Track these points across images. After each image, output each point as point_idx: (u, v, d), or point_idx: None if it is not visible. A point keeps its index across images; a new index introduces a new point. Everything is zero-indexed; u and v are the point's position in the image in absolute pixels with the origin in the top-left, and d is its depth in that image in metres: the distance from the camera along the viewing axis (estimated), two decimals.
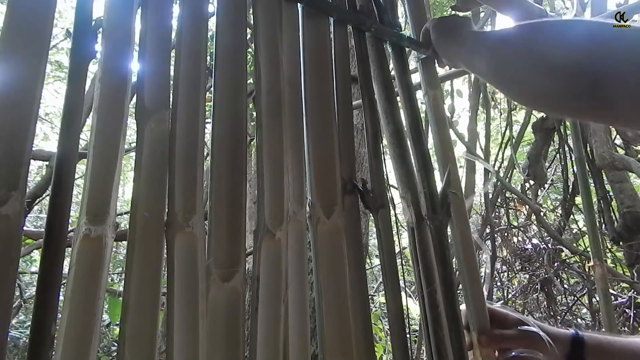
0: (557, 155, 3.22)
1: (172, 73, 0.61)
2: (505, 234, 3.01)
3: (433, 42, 0.83)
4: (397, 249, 0.76)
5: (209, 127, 0.64)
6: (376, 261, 4.03)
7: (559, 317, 2.74)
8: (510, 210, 3.11)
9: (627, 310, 2.41)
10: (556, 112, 0.66)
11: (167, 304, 0.54)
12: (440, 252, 0.76)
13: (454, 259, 0.85)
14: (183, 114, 0.60)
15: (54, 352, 0.46)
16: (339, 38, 0.80)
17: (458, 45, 0.74)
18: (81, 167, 0.71)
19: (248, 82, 0.70)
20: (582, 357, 0.70)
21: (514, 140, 3.01)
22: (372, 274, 3.93)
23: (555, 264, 2.79)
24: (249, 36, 1.13)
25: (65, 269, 0.49)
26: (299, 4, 0.76)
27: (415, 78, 1.04)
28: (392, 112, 0.81)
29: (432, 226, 0.77)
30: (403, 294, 0.71)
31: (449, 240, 0.80)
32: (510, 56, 0.59)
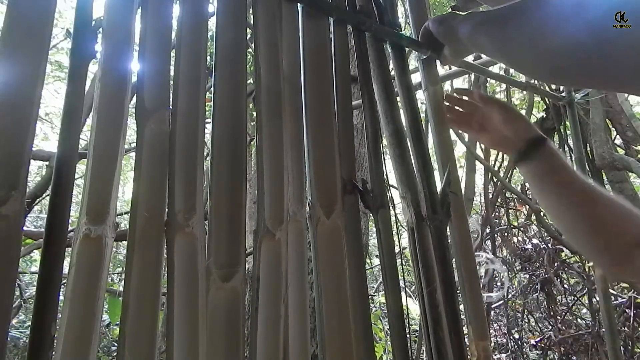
0: None
1: (172, 73, 0.61)
2: (505, 234, 3.01)
3: (434, 31, 0.83)
4: (397, 249, 0.76)
5: (209, 127, 0.64)
6: (376, 261, 4.03)
7: (559, 317, 2.74)
8: (510, 210, 3.11)
9: (627, 310, 2.41)
10: (559, 81, 0.68)
11: (167, 304, 0.54)
12: (440, 252, 0.76)
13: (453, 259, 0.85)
14: (183, 114, 0.60)
15: (54, 352, 0.46)
16: (338, 38, 0.80)
17: (460, 25, 0.75)
18: (81, 167, 0.71)
19: (248, 82, 0.70)
20: (533, 152, 0.72)
21: None
22: (372, 274, 3.93)
23: (555, 264, 2.79)
24: (249, 36, 1.13)
25: (65, 269, 0.49)
26: (298, 4, 0.76)
27: (415, 78, 1.04)
28: (392, 112, 0.81)
29: (432, 226, 0.77)
30: (403, 294, 0.71)
31: (449, 240, 0.80)
32: (511, 30, 0.61)
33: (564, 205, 0.68)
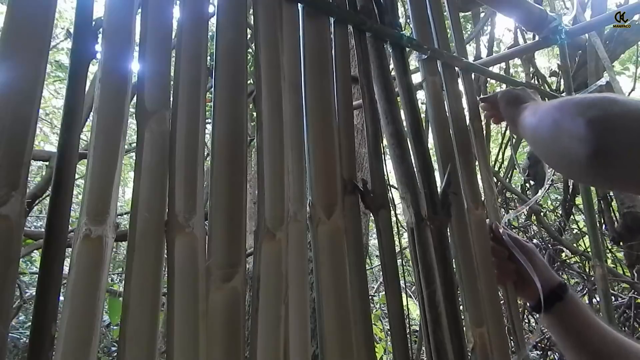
0: None
1: (172, 73, 0.61)
2: None
3: (501, 108, 0.86)
4: (397, 249, 0.76)
5: (209, 127, 0.64)
6: (376, 261, 4.03)
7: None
8: (510, 211, 3.11)
9: (627, 311, 2.41)
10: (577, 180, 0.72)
11: (167, 305, 0.54)
12: (440, 252, 0.76)
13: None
14: (183, 114, 0.60)
15: (54, 353, 0.45)
16: (339, 38, 0.80)
17: (516, 117, 0.77)
18: (81, 167, 0.70)
19: (248, 82, 0.70)
20: (554, 305, 0.73)
21: (514, 140, 3.01)
22: (372, 274, 3.93)
23: (556, 264, 2.79)
24: (249, 36, 1.12)
25: (66, 269, 0.49)
26: (299, 4, 0.76)
27: (416, 78, 1.04)
28: (392, 112, 0.81)
29: (432, 227, 0.77)
30: (403, 294, 0.71)
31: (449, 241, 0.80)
32: (539, 143, 0.66)
33: (588, 354, 0.69)
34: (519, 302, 0.94)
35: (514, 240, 0.84)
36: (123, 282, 0.52)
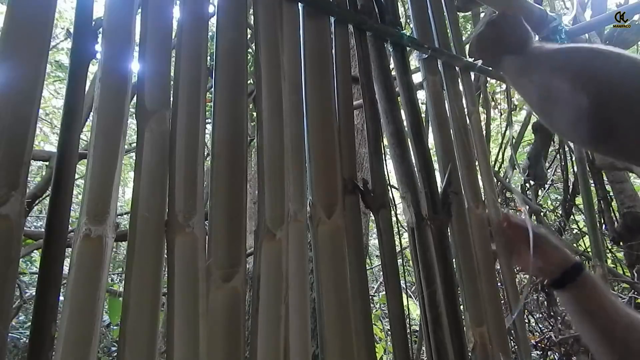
0: (557, 155, 3.22)
1: (172, 73, 0.61)
2: None
3: (477, 54, 0.79)
4: (397, 249, 0.75)
5: (209, 127, 0.64)
6: (376, 261, 4.03)
7: (559, 318, 2.74)
8: (510, 211, 3.11)
9: None
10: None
11: (167, 304, 0.54)
12: (440, 252, 0.76)
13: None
14: (183, 114, 0.60)
15: (54, 353, 0.45)
16: (339, 38, 0.80)
17: (503, 62, 0.69)
18: (81, 167, 0.70)
19: (248, 82, 0.70)
20: (568, 283, 0.74)
21: (514, 140, 3.00)
22: (372, 274, 3.92)
23: None
24: (249, 36, 1.12)
25: (65, 269, 0.49)
26: (299, 4, 0.76)
27: (416, 78, 1.04)
28: (392, 112, 0.81)
29: (432, 226, 0.77)
30: (403, 294, 0.71)
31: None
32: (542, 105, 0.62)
33: (597, 332, 0.70)
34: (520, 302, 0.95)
35: (525, 227, 0.85)
36: (123, 282, 0.52)
